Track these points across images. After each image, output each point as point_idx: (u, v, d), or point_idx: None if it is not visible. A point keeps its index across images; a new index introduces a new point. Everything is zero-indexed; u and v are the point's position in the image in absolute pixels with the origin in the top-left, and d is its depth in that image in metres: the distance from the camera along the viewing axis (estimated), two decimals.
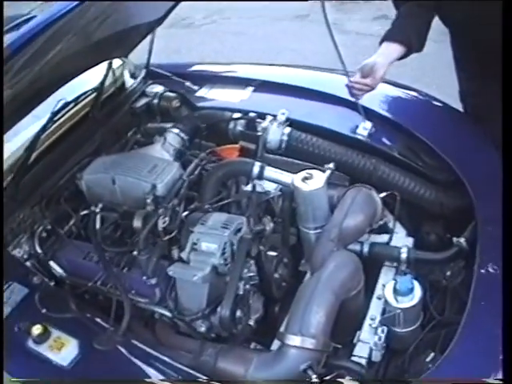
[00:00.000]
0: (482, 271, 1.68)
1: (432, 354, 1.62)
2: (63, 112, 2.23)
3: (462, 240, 1.86)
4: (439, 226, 2.11)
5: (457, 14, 2.09)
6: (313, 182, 1.84)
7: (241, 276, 1.76)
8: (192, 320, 1.75)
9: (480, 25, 2.00)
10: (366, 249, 1.93)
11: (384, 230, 2.04)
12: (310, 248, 1.93)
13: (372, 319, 1.77)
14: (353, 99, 2.21)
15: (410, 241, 2.03)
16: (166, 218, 1.79)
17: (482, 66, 2.19)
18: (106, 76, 2.40)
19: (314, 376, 1.48)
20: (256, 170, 1.97)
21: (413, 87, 2.63)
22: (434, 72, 5.38)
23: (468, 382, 1.45)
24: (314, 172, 1.87)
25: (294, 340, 1.56)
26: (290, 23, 6.31)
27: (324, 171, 1.92)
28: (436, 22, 2.21)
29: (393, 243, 2.00)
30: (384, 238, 2.02)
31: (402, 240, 2.02)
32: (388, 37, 2.17)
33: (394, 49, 2.13)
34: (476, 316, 1.58)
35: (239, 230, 1.77)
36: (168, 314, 1.80)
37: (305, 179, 1.85)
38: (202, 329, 1.75)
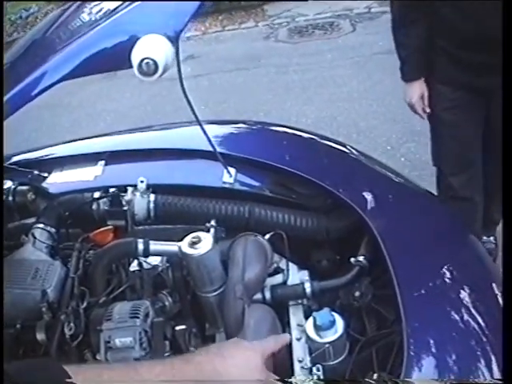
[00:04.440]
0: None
1: (375, 375, 1.56)
2: None
3: (361, 258, 1.88)
4: (328, 251, 2.12)
5: None
6: (202, 244, 1.76)
7: None
8: None
9: None
10: (268, 295, 1.87)
11: (275, 270, 1.99)
12: (213, 311, 1.86)
13: (300, 361, 1.70)
14: None
15: (305, 274, 1.98)
16: (72, 324, 1.65)
17: None
18: None
19: None
20: (141, 247, 1.86)
21: (247, 120, 2.67)
22: (254, 98, 5.50)
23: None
24: (200, 234, 1.80)
25: None
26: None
27: (208, 230, 1.87)
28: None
29: (289, 281, 1.95)
30: (278, 278, 1.97)
31: (296, 276, 1.98)
32: (408, 78, 2.77)
33: (420, 83, 2.76)
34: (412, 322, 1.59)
35: (147, 315, 1.67)
36: None
37: (192, 244, 1.77)
38: None
